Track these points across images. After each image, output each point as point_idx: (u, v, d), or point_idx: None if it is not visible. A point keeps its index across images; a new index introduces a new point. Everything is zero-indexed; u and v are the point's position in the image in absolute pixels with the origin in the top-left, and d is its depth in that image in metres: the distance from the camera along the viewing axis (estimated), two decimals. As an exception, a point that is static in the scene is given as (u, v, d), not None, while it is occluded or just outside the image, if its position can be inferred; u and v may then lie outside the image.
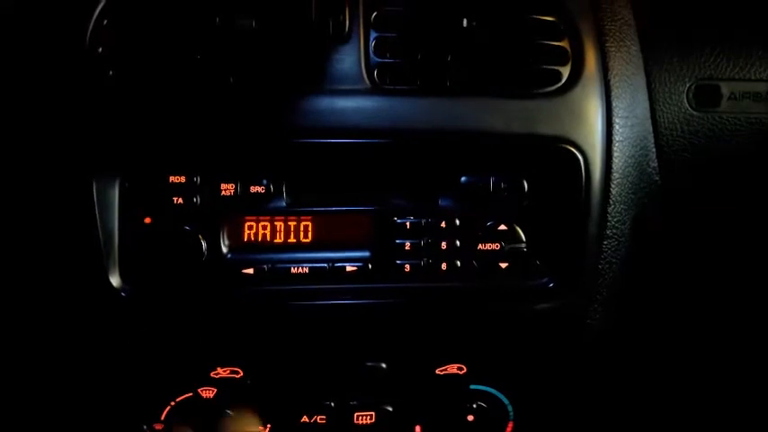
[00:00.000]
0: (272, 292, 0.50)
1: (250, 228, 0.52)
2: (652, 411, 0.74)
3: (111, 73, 0.48)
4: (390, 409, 0.57)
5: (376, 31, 0.51)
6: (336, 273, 0.52)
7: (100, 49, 0.48)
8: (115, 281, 0.49)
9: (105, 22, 0.49)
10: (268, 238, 0.52)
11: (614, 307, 0.56)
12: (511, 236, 0.54)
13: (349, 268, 0.52)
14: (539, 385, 0.59)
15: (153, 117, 0.48)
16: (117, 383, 0.52)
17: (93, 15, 0.49)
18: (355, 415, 0.56)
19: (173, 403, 0.53)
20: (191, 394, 0.53)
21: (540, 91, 0.51)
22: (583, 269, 0.54)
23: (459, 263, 0.53)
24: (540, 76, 0.52)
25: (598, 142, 0.52)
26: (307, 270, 0.52)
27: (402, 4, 0.51)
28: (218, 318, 0.50)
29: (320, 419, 0.55)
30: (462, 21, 0.52)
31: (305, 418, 0.55)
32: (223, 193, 0.51)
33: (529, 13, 0.53)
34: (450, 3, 0.52)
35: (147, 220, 0.50)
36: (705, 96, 0.56)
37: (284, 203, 0.52)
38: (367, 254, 0.53)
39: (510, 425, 0.59)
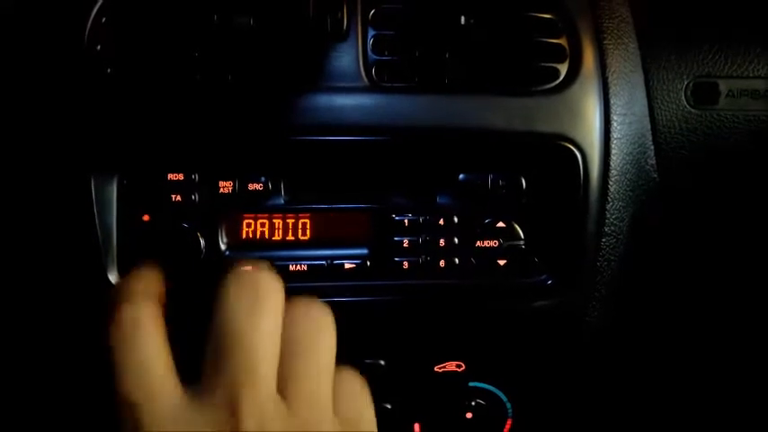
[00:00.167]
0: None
1: (248, 225, 0.52)
2: (651, 408, 0.74)
3: (109, 71, 0.48)
4: (389, 406, 0.57)
5: (374, 29, 0.51)
6: (335, 270, 0.52)
7: (98, 47, 0.48)
8: (113, 278, 0.49)
9: (104, 19, 0.49)
10: (266, 236, 0.52)
11: (613, 304, 0.57)
12: (509, 233, 0.54)
13: (347, 266, 0.52)
14: (537, 382, 0.59)
15: (151, 115, 0.48)
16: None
17: (91, 13, 0.49)
18: (354, 413, 0.56)
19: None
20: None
21: (538, 88, 0.51)
22: (581, 266, 0.54)
23: (457, 260, 0.53)
24: (537, 74, 0.52)
25: (596, 140, 0.52)
26: (305, 267, 0.52)
27: (400, 1, 0.52)
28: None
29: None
30: (460, 18, 0.52)
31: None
32: (221, 190, 0.51)
33: (527, 11, 0.53)
34: (448, 0, 0.52)
35: (146, 218, 0.50)
36: (703, 94, 0.57)
37: (282, 201, 0.52)
38: (365, 251, 0.53)
39: (509, 422, 0.59)
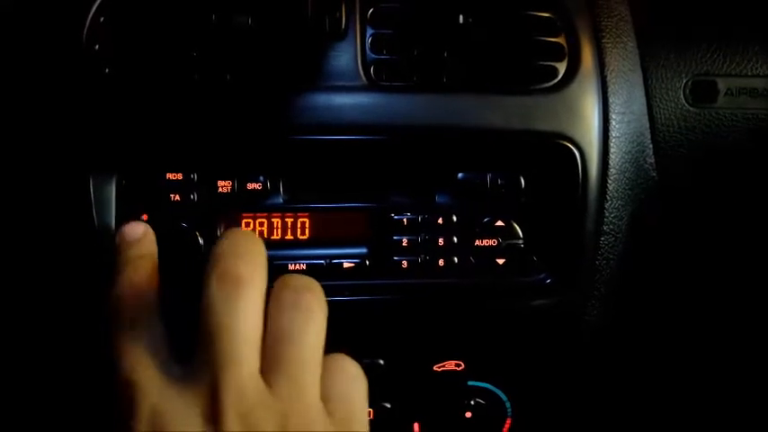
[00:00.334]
0: (269, 289, 0.50)
1: (247, 225, 0.52)
2: (650, 408, 0.74)
3: (107, 70, 0.48)
4: (388, 406, 0.57)
5: (372, 28, 0.51)
6: (334, 269, 0.52)
7: (96, 47, 0.48)
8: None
9: (102, 19, 0.49)
10: (265, 235, 0.52)
11: (612, 303, 0.57)
12: (508, 232, 0.54)
13: (346, 265, 0.52)
14: (537, 382, 0.59)
15: (150, 114, 0.48)
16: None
17: (89, 13, 0.48)
18: (353, 412, 0.56)
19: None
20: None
21: (537, 87, 0.51)
22: (580, 265, 0.54)
23: (456, 259, 0.53)
24: (536, 73, 0.52)
25: (595, 138, 0.52)
26: (304, 267, 0.52)
27: (398, 0, 0.52)
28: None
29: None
30: (459, 17, 0.52)
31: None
32: (220, 190, 0.51)
33: (525, 10, 0.53)
34: (446, -1, 0.52)
35: (145, 218, 0.50)
36: (702, 92, 0.57)
37: (281, 200, 0.52)
38: (364, 250, 0.53)
39: (508, 421, 0.59)
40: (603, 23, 0.55)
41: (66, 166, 0.48)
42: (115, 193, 0.50)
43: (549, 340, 0.57)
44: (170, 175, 0.50)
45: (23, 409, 0.58)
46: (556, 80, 0.52)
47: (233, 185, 0.51)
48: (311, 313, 0.36)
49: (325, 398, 0.36)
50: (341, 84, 0.49)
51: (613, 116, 0.53)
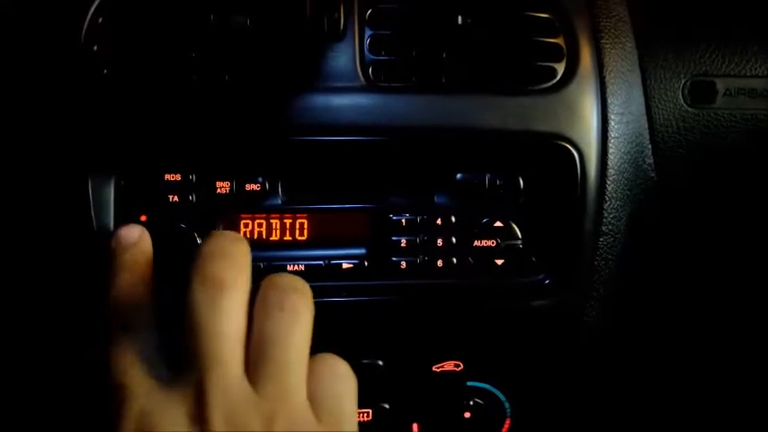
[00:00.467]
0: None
1: (246, 226, 0.52)
2: (649, 408, 0.74)
3: (106, 71, 0.48)
4: (387, 406, 0.57)
5: (371, 29, 0.51)
6: (332, 270, 0.52)
7: (95, 48, 0.48)
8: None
9: (100, 20, 0.49)
10: (264, 236, 0.52)
11: (611, 303, 0.57)
12: (507, 233, 0.54)
13: (345, 265, 0.52)
14: (536, 382, 0.59)
15: (148, 115, 0.48)
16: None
17: (87, 14, 0.48)
18: (352, 413, 0.56)
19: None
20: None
21: (535, 88, 0.51)
22: (579, 266, 0.54)
23: (454, 259, 0.53)
24: (534, 73, 0.52)
25: (593, 139, 0.52)
26: (303, 268, 0.52)
27: (397, 1, 0.52)
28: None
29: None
30: (457, 18, 0.52)
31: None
32: (218, 191, 0.51)
33: (524, 10, 0.53)
34: (445, 0, 0.52)
35: (143, 219, 0.50)
36: (700, 93, 0.56)
37: (280, 201, 0.52)
38: (363, 251, 0.53)
39: (507, 422, 0.59)
40: (602, 24, 0.55)
41: (65, 167, 0.48)
42: (114, 194, 0.50)
43: (548, 341, 0.57)
44: (169, 176, 0.50)
45: (16, 407, 0.58)
46: (554, 81, 0.52)
47: (231, 186, 0.51)
48: (297, 314, 0.36)
49: (313, 398, 0.36)
50: (339, 84, 0.49)
51: (612, 117, 0.53)
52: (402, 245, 0.52)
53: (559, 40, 0.52)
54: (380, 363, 0.55)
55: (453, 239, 0.53)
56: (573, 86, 0.52)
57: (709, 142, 0.57)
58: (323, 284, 0.52)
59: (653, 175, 0.57)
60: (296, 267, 0.52)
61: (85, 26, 0.48)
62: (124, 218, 0.49)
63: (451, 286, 0.53)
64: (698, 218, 0.61)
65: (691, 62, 0.57)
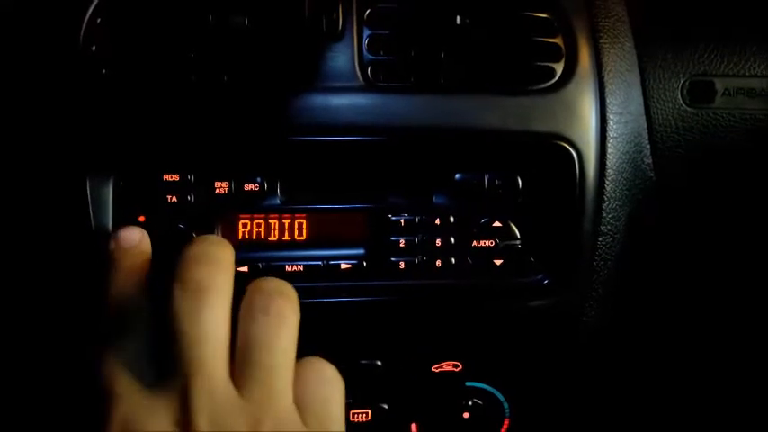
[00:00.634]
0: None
1: (244, 226, 0.52)
2: (648, 408, 0.74)
3: (104, 72, 0.48)
4: (386, 406, 0.57)
5: (369, 29, 0.51)
6: (331, 270, 0.52)
7: (93, 48, 0.48)
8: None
9: (99, 20, 0.49)
10: (262, 236, 0.52)
11: (610, 304, 0.57)
12: (505, 233, 0.54)
13: (344, 266, 0.52)
14: (535, 382, 0.59)
15: (147, 116, 0.48)
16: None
17: (86, 14, 0.48)
18: (351, 413, 0.56)
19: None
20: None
21: (534, 88, 0.51)
22: (577, 266, 0.54)
23: (453, 260, 0.53)
24: (533, 73, 0.52)
25: (592, 139, 0.52)
26: (301, 268, 0.52)
27: (396, 1, 0.51)
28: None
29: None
30: (456, 18, 0.52)
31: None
32: (217, 191, 0.51)
33: (522, 10, 0.53)
34: (443, 0, 0.52)
35: (142, 219, 0.50)
36: (699, 92, 0.56)
37: (278, 201, 0.52)
38: (362, 251, 0.53)
39: (506, 422, 0.59)
40: (601, 24, 0.55)
41: (64, 167, 0.48)
42: (112, 195, 0.50)
43: (547, 341, 0.57)
44: (167, 177, 0.50)
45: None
46: (553, 81, 0.52)
47: (230, 186, 0.51)
48: (282, 318, 0.37)
49: (300, 401, 0.36)
50: (338, 85, 0.49)
51: (611, 116, 0.53)
52: (401, 245, 0.52)
53: (558, 40, 0.52)
54: (379, 363, 0.55)
55: (452, 239, 0.53)
56: (571, 86, 0.52)
57: (707, 142, 0.57)
58: (321, 285, 0.52)
59: (652, 175, 0.57)
60: (294, 268, 0.52)
61: (84, 26, 0.48)
62: (122, 218, 0.49)
63: (450, 286, 0.53)
64: (697, 218, 0.61)
65: (689, 62, 0.57)
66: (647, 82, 0.56)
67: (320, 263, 0.52)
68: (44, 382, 0.55)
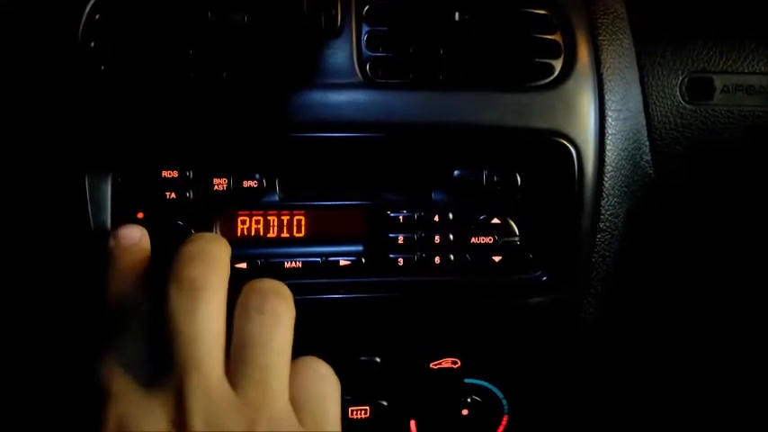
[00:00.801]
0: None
1: (243, 222, 0.52)
2: (647, 405, 0.74)
3: (103, 68, 0.48)
4: (385, 403, 0.57)
5: (368, 25, 0.51)
6: (330, 267, 0.52)
7: (92, 44, 0.48)
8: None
9: (97, 16, 0.49)
10: (261, 233, 0.52)
11: (608, 301, 0.57)
12: (504, 229, 0.54)
13: (342, 262, 0.52)
14: (533, 379, 0.59)
15: (145, 112, 0.48)
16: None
17: (85, 10, 0.48)
18: (350, 409, 0.56)
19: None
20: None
21: (533, 84, 0.51)
22: (576, 262, 0.54)
23: (452, 256, 0.53)
24: (532, 70, 0.52)
25: (591, 135, 0.52)
26: (300, 264, 0.52)
27: (394, -3, 0.52)
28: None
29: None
30: (455, 14, 0.52)
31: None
32: (216, 187, 0.51)
33: (521, 7, 0.53)
34: (442, -3, 0.52)
35: (140, 216, 0.50)
36: (698, 89, 0.56)
37: (277, 198, 0.52)
38: (360, 248, 0.53)
39: (505, 419, 0.59)
40: (600, 21, 0.55)
41: (62, 163, 0.48)
42: (111, 191, 0.50)
43: (546, 338, 0.57)
44: (166, 173, 0.50)
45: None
46: (552, 77, 0.52)
47: (229, 183, 0.51)
48: (277, 317, 0.36)
49: (296, 401, 0.36)
50: (337, 81, 0.49)
51: (609, 113, 0.53)
52: (399, 242, 0.52)
53: (557, 37, 0.52)
54: (378, 360, 0.55)
55: (450, 236, 0.53)
56: (570, 83, 0.52)
57: (706, 139, 0.57)
58: (320, 281, 0.52)
59: (650, 171, 0.57)
60: (293, 264, 0.52)
61: (82, 23, 0.48)
62: (121, 215, 0.49)
63: (449, 283, 0.53)
64: (695, 214, 0.61)
65: (688, 59, 0.57)
66: (645, 79, 0.56)
67: (319, 259, 0.52)
68: (41, 381, 0.55)
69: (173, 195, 0.50)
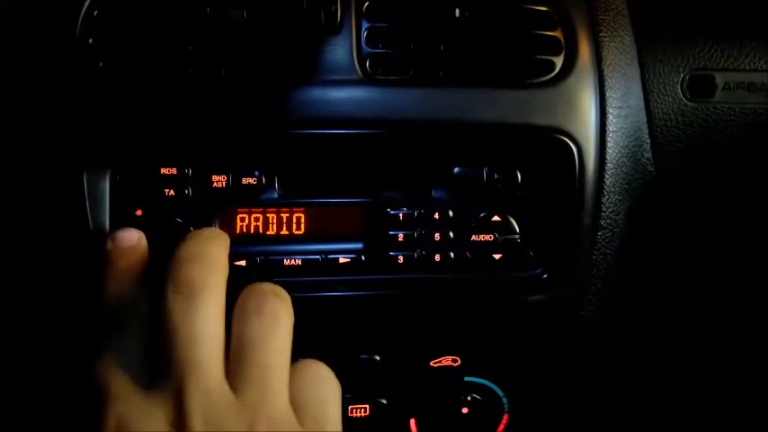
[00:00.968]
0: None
1: (242, 220, 0.52)
2: (647, 403, 0.74)
3: (101, 64, 0.48)
4: (385, 401, 0.56)
5: (368, 22, 0.50)
6: (329, 264, 0.52)
7: (90, 41, 0.48)
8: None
9: (95, 13, 0.48)
10: (260, 230, 0.52)
11: (609, 298, 0.56)
12: (504, 227, 0.53)
13: (342, 260, 0.52)
14: (533, 377, 0.59)
15: (144, 109, 0.48)
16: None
17: (83, 6, 0.48)
18: (349, 408, 0.56)
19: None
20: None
21: (534, 81, 0.51)
22: (577, 260, 0.54)
23: (452, 254, 0.53)
24: (533, 67, 0.52)
25: (592, 133, 0.52)
26: (299, 262, 0.51)
27: (394, -6, 0.51)
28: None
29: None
30: (455, 11, 0.52)
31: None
32: (215, 185, 0.51)
33: (522, 3, 0.53)
34: (442, -7, 0.52)
35: (139, 213, 0.50)
36: (699, 87, 0.56)
37: (276, 195, 0.52)
38: (360, 245, 0.52)
39: (505, 417, 0.59)
40: (601, 17, 0.54)
41: (60, 160, 0.48)
42: (109, 189, 0.49)
43: (546, 335, 0.56)
44: (164, 170, 0.50)
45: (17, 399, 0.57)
46: (553, 74, 0.52)
47: (228, 180, 0.51)
48: (276, 318, 0.36)
49: (296, 403, 0.36)
50: (336, 78, 0.49)
51: (610, 110, 0.53)
52: (399, 239, 0.52)
53: (558, 34, 0.52)
54: (378, 358, 0.55)
55: (451, 234, 0.53)
56: (571, 80, 0.51)
57: (707, 136, 0.57)
58: (320, 279, 0.51)
59: (651, 169, 0.56)
60: (293, 262, 0.51)
61: (81, 19, 0.48)
62: (120, 212, 0.49)
63: (449, 281, 0.53)
64: (696, 212, 0.61)
65: (690, 56, 0.57)
66: (646, 76, 0.56)
67: (318, 257, 0.52)
68: (40, 382, 0.55)
69: (171, 192, 0.50)
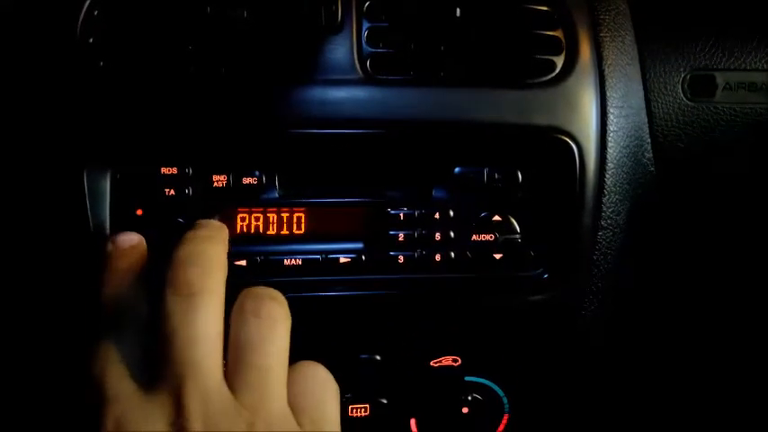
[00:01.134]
0: (264, 283, 0.50)
1: (243, 219, 0.51)
2: (647, 402, 0.74)
3: (101, 64, 0.48)
4: (385, 401, 0.56)
5: (368, 21, 0.50)
6: (330, 264, 0.52)
7: (90, 40, 0.48)
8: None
9: (96, 12, 0.48)
10: (261, 230, 0.52)
11: (609, 298, 0.56)
12: (505, 227, 0.53)
13: (342, 260, 0.52)
14: (534, 377, 0.59)
15: (144, 108, 0.48)
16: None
17: (83, 6, 0.48)
18: (350, 408, 0.56)
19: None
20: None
21: (534, 81, 0.51)
22: (577, 260, 0.54)
23: (453, 254, 0.53)
24: (533, 66, 0.52)
25: (592, 132, 0.52)
26: (300, 262, 0.51)
27: (395, -7, 0.51)
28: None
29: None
30: (456, 11, 0.52)
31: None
32: (215, 184, 0.51)
33: (523, 3, 0.52)
34: (443, -8, 0.52)
35: (139, 212, 0.50)
36: (700, 86, 0.56)
37: (277, 195, 0.52)
38: (360, 245, 0.52)
39: (505, 417, 0.59)
40: (601, 17, 0.54)
41: (61, 160, 0.48)
42: (109, 188, 0.49)
43: (547, 335, 0.56)
44: (165, 170, 0.50)
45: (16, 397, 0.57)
46: (553, 74, 0.51)
47: (228, 180, 0.51)
48: (273, 321, 0.37)
49: (295, 405, 0.36)
50: (337, 77, 0.49)
51: (611, 110, 0.53)
52: (400, 239, 0.52)
53: (558, 33, 0.52)
54: (378, 358, 0.55)
55: (451, 234, 0.53)
56: (572, 80, 0.51)
57: (708, 136, 0.57)
58: (320, 279, 0.51)
59: (652, 169, 0.56)
60: (293, 261, 0.51)
61: (81, 18, 0.48)
62: (120, 212, 0.49)
63: (449, 281, 0.53)
64: (697, 212, 0.61)
65: (690, 56, 0.57)
66: (647, 76, 0.56)
67: (319, 257, 0.52)
68: (39, 382, 0.55)
69: (172, 192, 0.50)
